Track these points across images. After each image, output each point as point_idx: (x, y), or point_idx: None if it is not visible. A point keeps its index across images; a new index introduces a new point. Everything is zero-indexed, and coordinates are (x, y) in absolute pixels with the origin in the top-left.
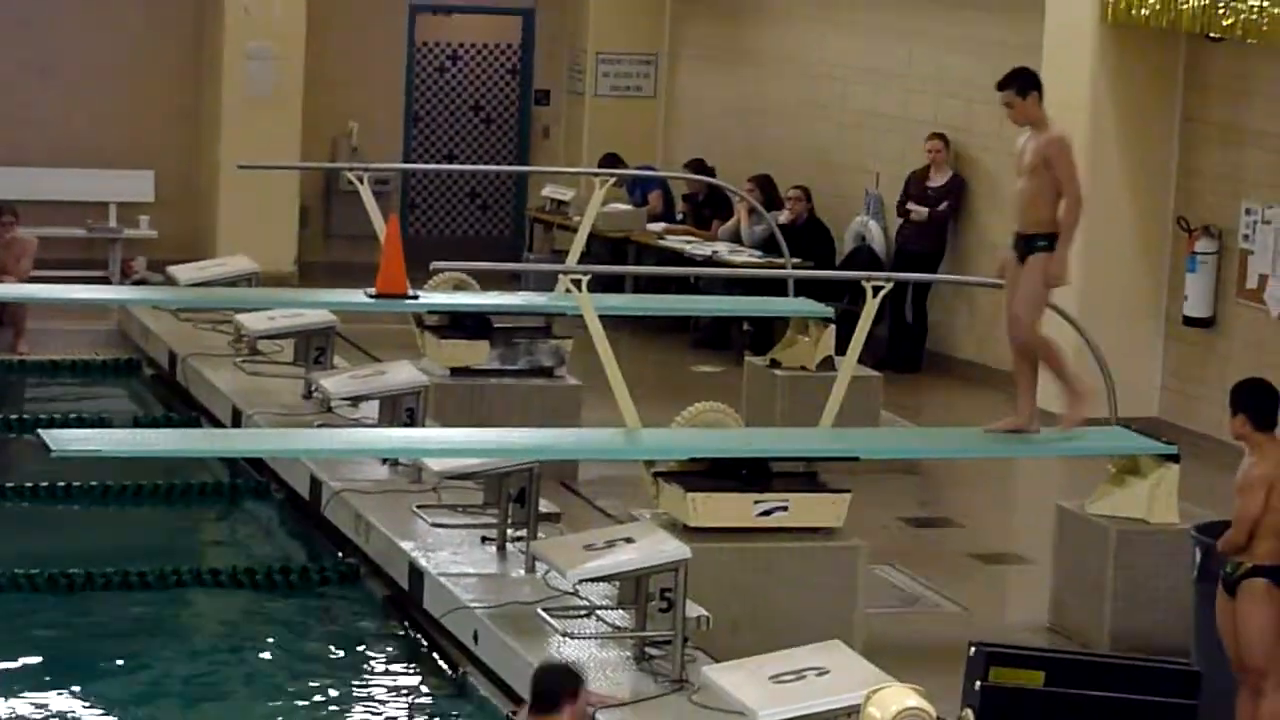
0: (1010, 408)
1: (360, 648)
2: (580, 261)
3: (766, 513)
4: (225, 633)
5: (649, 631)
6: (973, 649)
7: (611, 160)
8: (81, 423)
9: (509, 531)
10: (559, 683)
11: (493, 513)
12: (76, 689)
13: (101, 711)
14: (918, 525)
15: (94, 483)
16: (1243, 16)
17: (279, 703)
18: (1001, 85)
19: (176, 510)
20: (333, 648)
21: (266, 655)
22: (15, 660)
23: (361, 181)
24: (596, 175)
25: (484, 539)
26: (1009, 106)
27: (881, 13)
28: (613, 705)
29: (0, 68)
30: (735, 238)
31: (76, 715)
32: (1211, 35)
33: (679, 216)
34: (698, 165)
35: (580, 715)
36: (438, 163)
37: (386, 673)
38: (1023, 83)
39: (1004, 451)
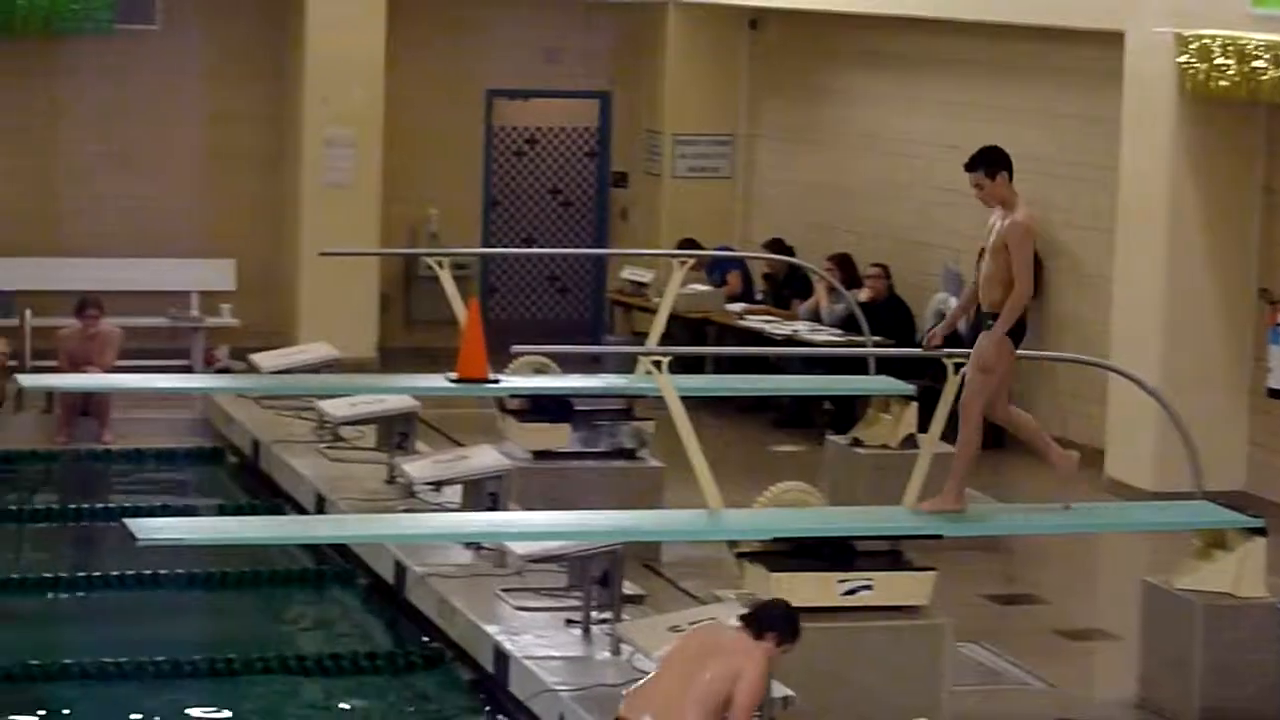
0: (1092, 482)
1: None
2: (660, 343)
3: (851, 592)
4: (313, 718)
5: None
6: None
7: (688, 245)
8: (166, 512)
9: (593, 614)
10: (778, 620)
11: (576, 595)
12: None
13: None
14: (1003, 602)
15: (180, 571)
16: None
17: None
18: (970, 166)
19: (262, 597)
20: None
21: None
22: None
23: (441, 267)
24: (675, 256)
25: (568, 621)
26: (978, 187)
27: (959, 90)
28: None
29: (81, 158)
30: (815, 317)
31: None
32: None
33: (758, 296)
34: (777, 245)
35: (771, 659)
36: (517, 247)
37: None
38: (990, 163)
39: (1087, 527)
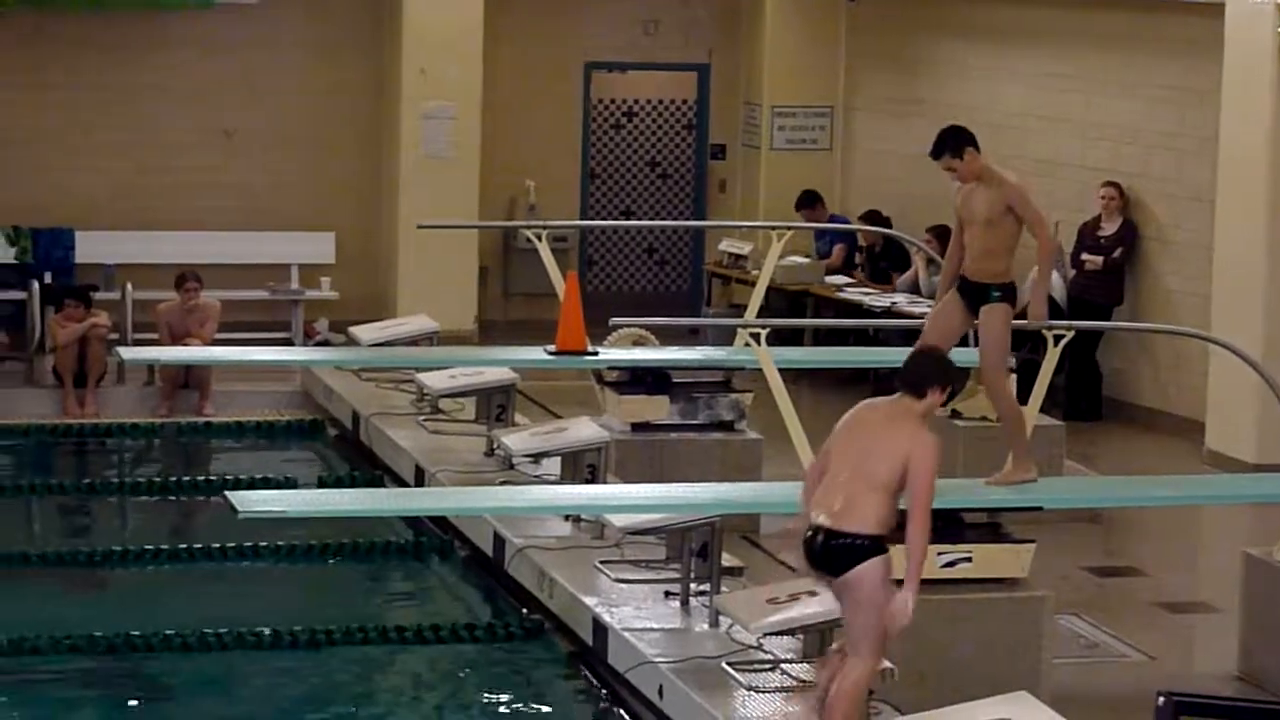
0: (1192, 454)
1: (545, 704)
2: (759, 315)
3: (950, 564)
4: (411, 690)
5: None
6: (1161, 698)
7: (810, 198)
8: (267, 484)
9: (692, 586)
10: (932, 371)
11: (675, 567)
12: None
13: None
14: (1102, 574)
15: (280, 543)
16: None
17: None
18: (935, 154)
19: (361, 569)
20: (518, 704)
21: (452, 712)
22: (206, 719)
23: (540, 239)
24: (774, 229)
25: (667, 594)
26: (951, 170)
27: (1057, 61)
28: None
29: (181, 133)
30: (914, 289)
31: None
32: None
33: (856, 268)
34: (874, 216)
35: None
36: (615, 219)
37: None
38: (953, 145)
39: (1188, 499)
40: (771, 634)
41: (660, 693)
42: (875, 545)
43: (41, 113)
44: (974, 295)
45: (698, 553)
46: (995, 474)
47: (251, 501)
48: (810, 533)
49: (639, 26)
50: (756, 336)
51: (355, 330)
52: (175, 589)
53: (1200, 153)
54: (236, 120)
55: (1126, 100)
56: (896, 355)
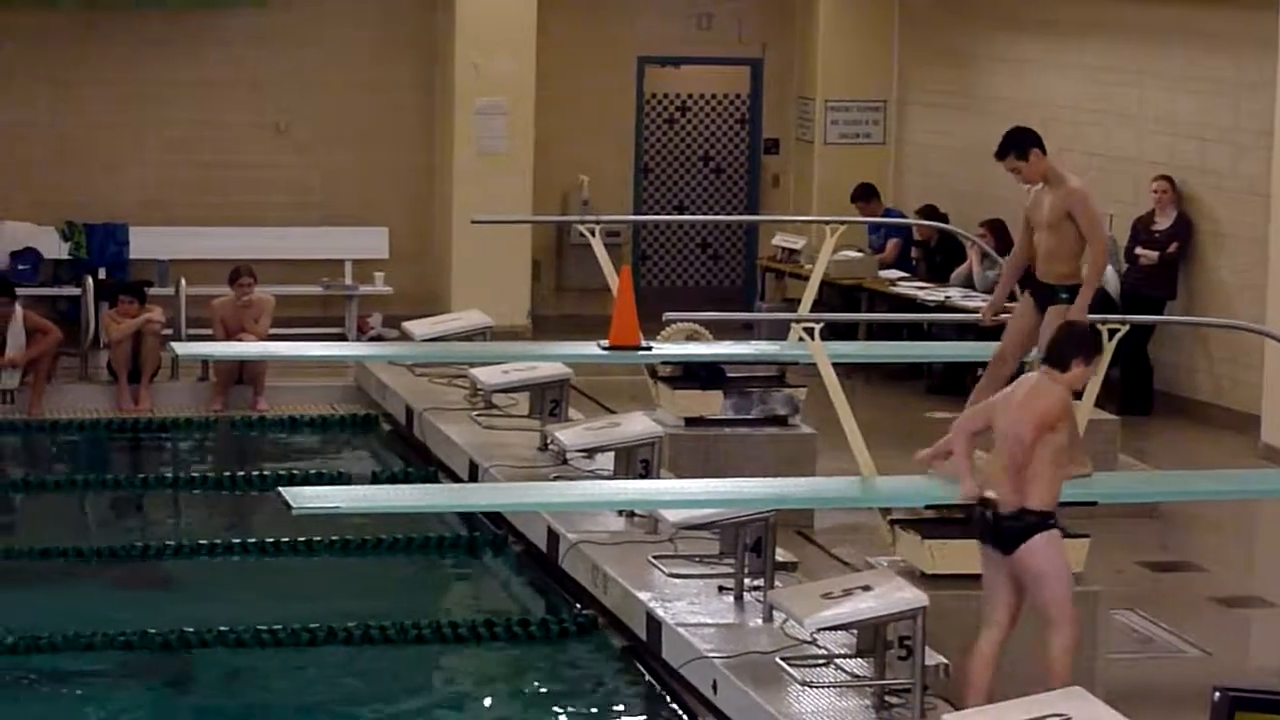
0: (1248, 448)
1: (599, 698)
2: (812, 309)
3: None
4: (465, 685)
5: (888, 680)
6: (1217, 694)
7: (866, 191)
8: (320, 479)
9: (746, 581)
10: (1075, 345)
11: (729, 562)
12: None
13: None
14: (1158, 570)
15: (334, 537)
16: None
17: None
18: (1000, 155)
19: (415, 564)
20: (572, 700)
21: (506, 708)
22: (259, 714)
23: (593, 234)
24: (828, 223)
25: (721, 589)
26: (1016, 172)
27: (1111, 54)
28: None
29: (235, 129)
30: (967, 283)
31: None
32: None
33: (911, 262)
34: (930, 211)
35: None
36: (668, 214)
37: None
38: (1019, 146)
39: (1244, 493)
40: (826, 629)
41: (714, 688)
42: (1043, 520)
43: (96, 108)
44: (1043, 295)
45: (751, 548)
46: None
47: (305, 497)
48: (980, 510)
49: (692, 21)
50: (810, 331)
51: (409, 325)
52: (229, 584)
53: (1255, 146)
54: (290, 115)
55: (1180, 94)
56: (950, 350)
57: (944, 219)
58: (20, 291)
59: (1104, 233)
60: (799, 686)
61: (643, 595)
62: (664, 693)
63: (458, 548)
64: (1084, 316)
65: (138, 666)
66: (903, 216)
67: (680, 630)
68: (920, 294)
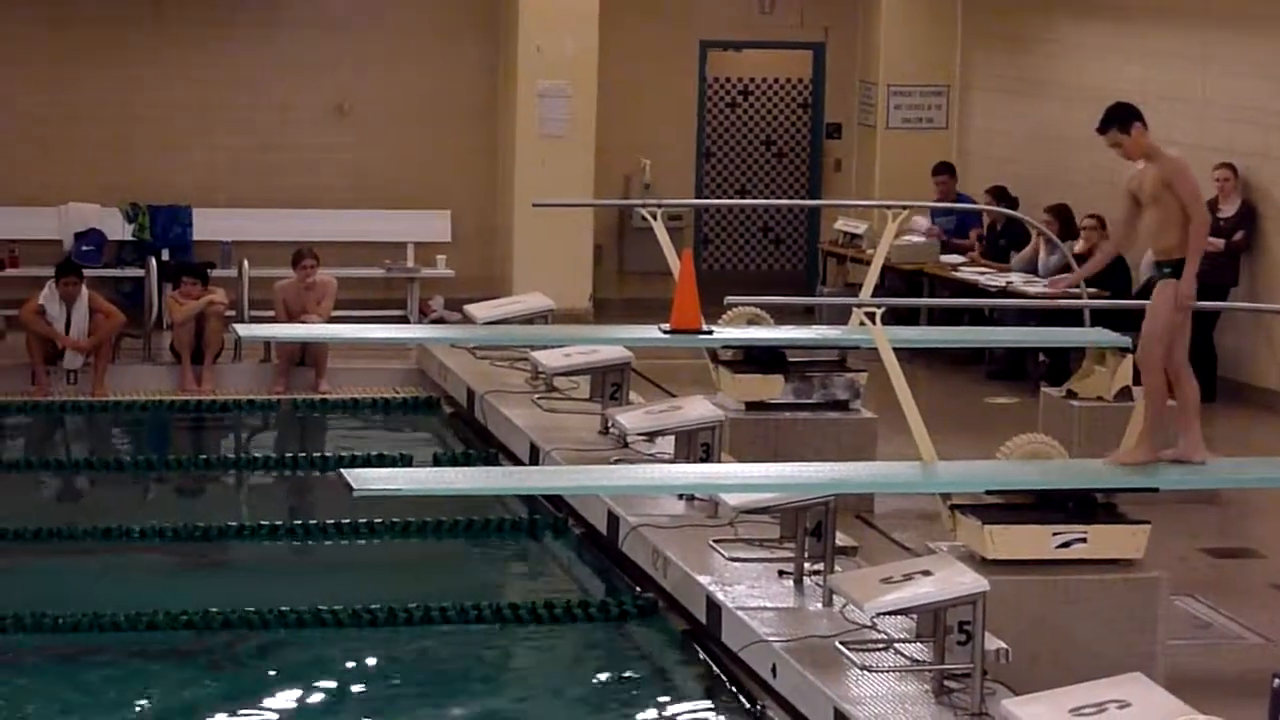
0: None
1: (659, 681)
2: (874, 294)
3: (1065, 544)
4: (525, 667)
5: (947, 664)
6: (1277, 680)
7: (947, 165)
8: (382, 461)
9: (806, 565)
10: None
11: (789, 546)
12: None
13: None
14: (1218, 556)
15: (395, 519)
16: None
17: None
18: (1102, 129)
19: (476, 546)
20: (632, 682)
21: (566, 690)
22: (320, 695)
23: (655, 218)
24: (890, 208)
25: (781, 573)
26: (1117, 146)
27: (1175, 39)
28: None
29: (299, 111)
30: (1030, 268)
31: None
32: None
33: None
34: (1000, 193)
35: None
36: (730, 198)
37: (685, 706)
38: (1121, 120)
39: None
40: (885, 614)
41: (773, 671)
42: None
43: (159, 90)
44: (1157, 272)
45: (812, 532)
46: (1113, 453)
47: (367, 479)
48: None
49: (755, 4)
50: (871, 315)
51: (470, 308)
52: (290, 566)
53: None
54: (353, 97)
55: (1245, 79)
56: (1012, 335)
57: (1014, 202)
58: (84, 273)
59: (1204, 205)
60: (858, 671)
61: (702, 579)
62: (723, 676)
63: (518, 530)
64: (1192, 289)
65: (199, 646)
66: (973, 202)
67: (740, 614)
68: (981, 279)
